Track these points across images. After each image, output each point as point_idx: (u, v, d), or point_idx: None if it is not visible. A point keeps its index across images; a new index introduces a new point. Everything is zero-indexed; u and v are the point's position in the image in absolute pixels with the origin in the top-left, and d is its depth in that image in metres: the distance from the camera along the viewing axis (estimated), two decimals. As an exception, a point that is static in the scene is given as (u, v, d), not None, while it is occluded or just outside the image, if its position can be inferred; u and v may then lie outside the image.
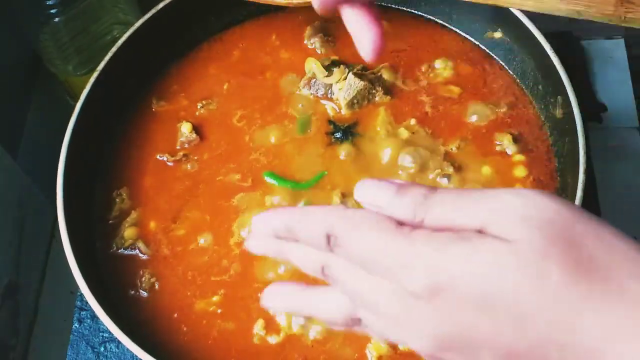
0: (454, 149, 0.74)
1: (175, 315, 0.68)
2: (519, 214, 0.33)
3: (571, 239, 0.33)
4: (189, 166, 0.76)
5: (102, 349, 0.73)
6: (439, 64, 0.80)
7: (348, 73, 0.78)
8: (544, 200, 0.34)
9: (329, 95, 0.79)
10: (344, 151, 0.76)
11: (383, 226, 0.36)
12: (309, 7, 0.81)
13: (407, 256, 0.35)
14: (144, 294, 0.70)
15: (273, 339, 0.66)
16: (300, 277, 0.69)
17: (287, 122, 0.78)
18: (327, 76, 0.79)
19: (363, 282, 0.37)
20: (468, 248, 0.33)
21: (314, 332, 0.66)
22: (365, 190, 0.38)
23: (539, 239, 0.32)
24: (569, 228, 0.33)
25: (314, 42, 0.83)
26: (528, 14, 0.73)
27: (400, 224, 0.36)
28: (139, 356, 0.61)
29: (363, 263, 0.37)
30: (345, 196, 0.72)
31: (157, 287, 0.70)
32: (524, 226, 0.33)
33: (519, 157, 0.74)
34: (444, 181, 0.72)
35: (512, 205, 0.34)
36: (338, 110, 0.78)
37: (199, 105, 0.80)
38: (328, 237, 0.38)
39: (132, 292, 0.70)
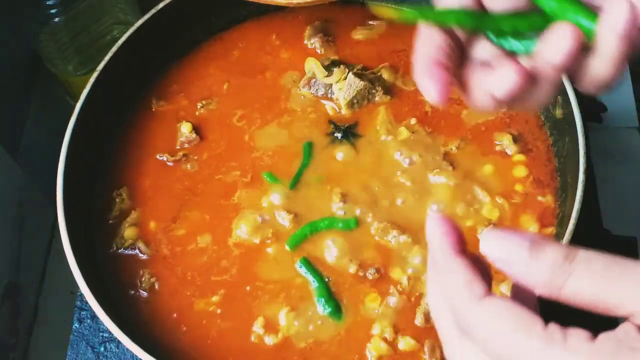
0: (453, 148, 0.74)
1: (175, 315, 0.68)
2: None
3: None
4: (188, 166, 0.76)
5: (102, 349, 0.73)
6: (438, 63, 0.80)
7: (348, 73, 0.78)
8: None
9: (329, 95, 0.79)
10: (344, 151, 0.76)
11: (529, 327, 0.32)
12: (309, 7, 0.81)
13: None
14: (144, 294, 0.70)
15: (272, 339, 0.66)
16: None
17: (286, 122, 0.78)
18: (327, 76, 0.79)
19: None
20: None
21: (314, 332, 0.66)
22: (495, 244, 0.34)
23: None
24: None
25: (314, 42, 0.83)
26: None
27: (545, 322, 0.32)
28: (139, 356, 0.61)
29: None
30: (345, 196, 0.72)
31: (157, 287, 0.70)
32: None
33: (519, 157, 0.74)
34: (442, 180, 0.72)
35: None
36: (338, 110, 0.78)
37: (199, 105, 0.80)
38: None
39: (132, 292, 0.70)
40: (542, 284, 0.32)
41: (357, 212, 0.71)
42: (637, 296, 0.30)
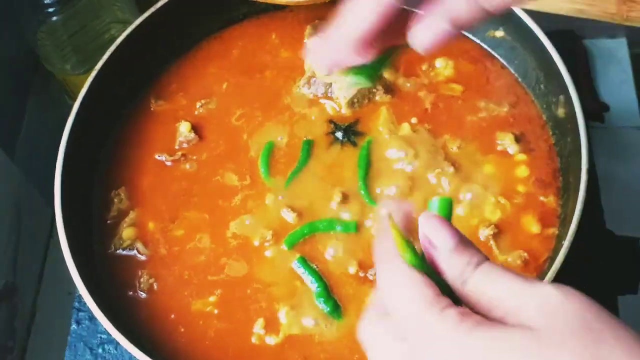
0: (455, 148, 0.74)
1: (173, 316, 0.68)
2: (551, 303, 0.34)
3: (593, 335, 0.33)
4: (187, 166, 0.76)
5: (100, 350, 0.73)
6: (439, 62, 0.80)
7: (348, 72, 0.77)
8: (577, 296, 0.34)
9: (329, 95, 0.78)
10: (344, 150, 0.75)
11: (424, 292, 0.37)
12: (308, 6, 0.81)
13: (432, 334, 0.35)
14: (142, 294, 0.69)
15: (272, 339, 0.66)
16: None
17: (286, 121, 0.78)
18: (327, 75, 0.78)
19: (386, 333, 0.38)
20: (493, 333, 0.34)
21: (314, 332, 0.66)
22: (432, 227, 0.39)
23: (561, 328, 0.33)
24: (592, 323, 0.34)
25: (313, 41, 0.82)
26: (530, 12, 0.73)
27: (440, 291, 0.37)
28: (137, 357, 0.61)
29: (394, 321, 0.38)
30: (345, 196, 0.72)
31: (155, 287, 0.70)
32: (549, 315, 0.34)
33: (521, 157, 0.73)
34: (444, 180, 0.72)
35: (549, 296, 0.34)
36: (338, 110, 0.78)
37: (198, 104, 0.80)
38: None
39: (131, 293, 0.69)
40: (450, 275, 0.38)
41: (357, 212, 0.71)
42: (516, 293, 0.35)
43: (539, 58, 0.75)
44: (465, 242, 0.38)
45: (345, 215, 0.71)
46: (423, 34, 0.43)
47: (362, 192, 0.72)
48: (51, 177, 0.70)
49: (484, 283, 0.37)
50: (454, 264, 0.38)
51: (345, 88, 0.77)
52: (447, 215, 0.40)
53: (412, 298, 0.37)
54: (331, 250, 0.69)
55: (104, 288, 0.69)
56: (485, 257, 0.38)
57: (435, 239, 0.38)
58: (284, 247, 0.70)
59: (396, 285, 0.38)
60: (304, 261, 0.69)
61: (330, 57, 0.46)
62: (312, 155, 0.75)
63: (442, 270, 0.38)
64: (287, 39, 0.84)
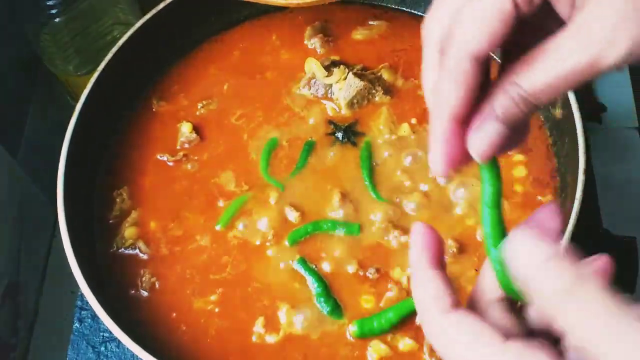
0: (453, 149, 0.74)
1: (175, 314, 0.69)
2: None
3: None
4: (189, 166, 0.77)
5: (102, 348, 0.73)
6: (439, 63, 0.80)
7: (348, 73, 0.78)
8: None
9: (329, 95, 0.79)
10: (344, 151, 0.76)
11: (487, 341, 0.35)
12: (309, 8, 0.82)
13: None
14: (144, 293, 0.70)
15: (273, 338, 0.66)
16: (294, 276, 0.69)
17: (287, 122, 0.78)
18: (327, 76, 0.79)
19: None
20: None
21: (314, 332, 0.66)
22: (521, 243, 0.35)
23: None
24: None
25: (314, 42, 0.83)
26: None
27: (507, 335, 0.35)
28: (140, 356, 0.61)
29: None
30: (345, 196, 0.72)
31: (157, 286, 0.70)
32: None
33: (519, 157, 0.74)
34: (442, 180, 0.72)
35: None
36: (338, 110, 0.78)
37: (199, 105, 0.80)
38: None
39: (133, 291, 0.70)
40: (544, 295, 0.34)
41: (357, 212, 0.71)
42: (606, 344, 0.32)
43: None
44: (559, 256, 0.34)
45: (346, 216, 0.71)
46: (477, 138, 0.38)
47: (371, 192, 0.72)
48: (54, 176, 0.70)
49: (588, 305, 0.33)
50: (562, 272, 0.33)
51: (345, 89, 0.78)
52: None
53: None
54: (331, 250, 0.70)
55: (106, 287, 0.70)
56: (584, 273, 0.34)
57: (526, 258, 0.35)
58: (286, 243, 0.70)
59: (454, 335, 0.36)
60: (304, 262, 0.69)
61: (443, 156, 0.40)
62: (312, 156, 0.76)
63: (540, 277, 0.34)
64: (288, 40, 0.84)
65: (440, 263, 0.39)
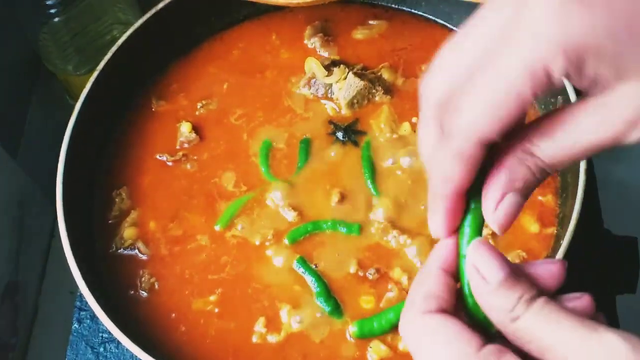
0: (454, 148, 0.74)
1: (174, 315, 0.68)
2: (615, 358, 0.31)
3: None
4: (188, 166, 0.76)
5: (101, 349, 0.73)
6: (439, 63, 0.80)
7: (348, 73, 0.78)
8: None
9: (329, 95, 0.79)
10: (344, 151, 0.76)
11: (462, 346, 0.34)
12: (309, 7, 0.81)
13: None
14: (144, 294, 0.70)
15: (274, 338, 0.66)
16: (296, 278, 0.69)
17: (287, 122, 0.78)
18: (327, 76, 0.79)
19: None
20: None
21: (314, 332, 0.66)
22: (480, 258, 0.36)
23: None
24: None
25: (314, 42, 0.83)
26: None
27: (481, 341, 0.34)
28: (139, 356, 0.61)
29: None
30: (345, 196, 0.72)
31: (156, 287, 0.70)
32: None
33: (520, 157, 0.73)
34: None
35: (614, 348, 0.32)
36: (338, 110, 0.78)
37: (199, 104, 0.80)
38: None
39: (132, 292, 0.70)
40: (497, 312, 0.35)
41: (357, 212, 0.71)
42: (566, 348, 0.33)
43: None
44: (517, 274, 0.35)
45: (346, 216, 0.71)
46: (501, 214, 0.37)
47: (373, 192, 0.72)
48: (53, 176, 0.70)
49: (536, 323, 0.33)
50: (503, 299, 0.34)
51: (346, 89, 0.77)
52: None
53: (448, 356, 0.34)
54: (331, 250, 0.70)
55: (105, 287, 0.70)
56: (541, 291, 0.35)
57: (484, 270, 0.35)
58: (286, 242, 0.70)
59: (429, 340, 0.36)
60: (304, 261, 0.69)
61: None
62: (313, 156, 0.76)
63: (488, 305, 0.35)
64: (287, 40, 0.84)
65: (448, 269, 0.38)
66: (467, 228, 0.38)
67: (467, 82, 0.35)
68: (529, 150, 0.36)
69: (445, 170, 0.37)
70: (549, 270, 0.36)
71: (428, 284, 0.38)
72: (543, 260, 0.38)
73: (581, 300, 0.35)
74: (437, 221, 0.38)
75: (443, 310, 0.37)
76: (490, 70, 0.34)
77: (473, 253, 0.36)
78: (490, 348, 0.34)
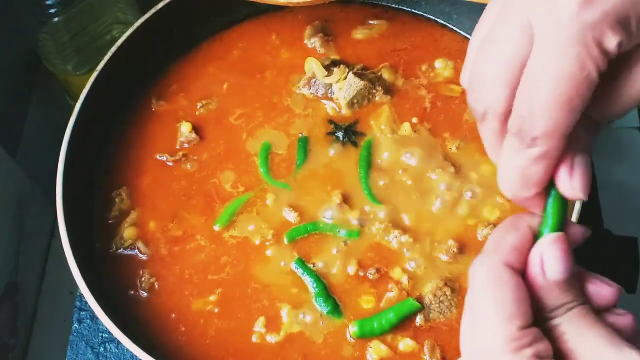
0: (454, 148, 0.74)
1: (174, 315, 0.68)
2: None
3: None
4: (188, 166, 0.76)
5: (101, 349, 0.73)
6: (439, 63, 0.80)
7: (348, 73, 0.78)
8: None
9: (329, 95, 0.79)
10: (344, 151, 0.75)
11: (506, 327, 0.35)
12: (309, 7, 0.81)
13: None
14: (144, 294, 0.70)
15: (273, 338, 0.66)
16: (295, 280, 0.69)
17: (286, 122, 0.78)
18: (327, 76, 0.78)
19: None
20: None
21: (314, 332, 0.66)
22: (552, 252, 0.37)
23: None
24: None
25: (314, 42, 0.83)
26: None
27: (524, 327, 0.35)
28: (139, 356, 0.61)
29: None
30: (345, 196, 0.72)
31: (156, 287, 0.70)
32: None
33: (520, 157, 0.73)
34: (443, 179, 0.72)
35: None
36: (338, 110, 0.78)
37: (199, 104, 0.80)
38: None
39: (132, 292, 0.70)
40: (544, 307, 0.36)
41: (357, 212, 0.71)
42: (583, 355, 0.34)
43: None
44: (574, 281, 0.36)
45: (346, 215, 0.71)
46: (572, 179, 0.38)
47: (365, 192, 0.72)
48: (53, 176, 0.70)
49: (570, 330, 0.35)
50: (553, 300, 0.36)
51: (346, 89, 0.77)
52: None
53: (494, 326, 0.35)
54: (331, 250, 0.70)
55: (105, 287, 0.70)
56: (585, 301, 0.36)
57: (549, 264, 0.36)
58: (285, 241, 0.70)
59: (487, 295, 0.36)
60: (302, 262, 0.69)
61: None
62: (313, 156, 0.76)
63: (538, 296, 0.36)
64: (287, 40, 0.84)
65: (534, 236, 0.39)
66: (550, 216, 0.38)
67: (527, 83, 0.36)
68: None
69: (531, 174, 0.38)
70: (603, 292, 0.37)
71: (515, 238, 0.38)
72: (603, 279, 0.39)
73: (623, 317, 0.37)
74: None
75: (518, 271, 0.37)
76: (546, 64, 0.35)
77: (548, 244, 0.37)
78: (533, 332, 0.35)
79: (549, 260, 0.36)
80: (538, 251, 0.37)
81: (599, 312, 0.37)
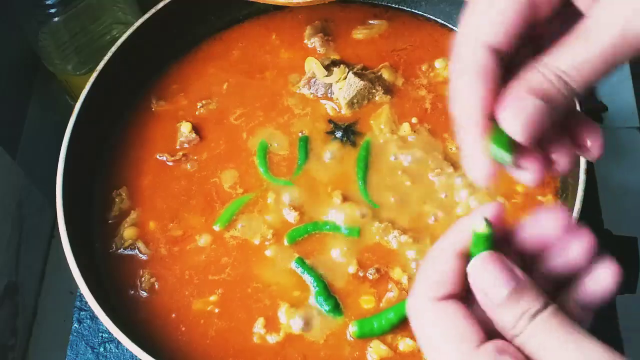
0: (453, 148, 0.74)
1: (174, 315, 0.68)
2: None
3: None
4: (188, 166, 0.76)
5: (101, 349, 0.73)
6: (439, 63, 0.80)
7: (348, 72, 0.78)
8: None
9: (329, 95, 0.79)
10: (344, 150, 0.75)
11: (462, 340, 0.35)
12: (309, 7, 0.81)
13: None
14: (144, 294, 0.70)
15: (273, 338, 0.66)
16: (296, 279, 0.69)
17: (286, 122, 0.78)
18: (327, 76, 0.78)
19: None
20: None
21: (314, 332, 0.66)
22: (483, 274, 0.36)
23: None
24: None
25: (314, 42, 0.83)
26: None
27: (485, 332, 0.35)
28: (139, 356, 0.61)
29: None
30: (345, 196, 0.72)
31: (156, 287, 0.70)
32: None
33: (520, 157, 0.73)
34: (442, 179, 0.72)
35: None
36: (338, 110, 0.78)
37: (199, 104, 0.80)
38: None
39: (132, 292, 0.70)
40: (501, 326, 0.35)
41: (357, 212, 0.71)
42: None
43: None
44: (522, 288, 0.35)
45: (346, 216, 0.71)
46: (515, 119, 0.35)
47: (362, 192, 0.72)
48: (53, 176, 0.70)
49: (536, 338, 0.34)
50: (505, 317, 0.35)
51: (345, 88, 0.77)
52: (485, 248, 0.36)
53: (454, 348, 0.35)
54: (331, 250, 0.70)
55: (105, 287, 0.70)
56: (547, 302, 0.35)
57: (487, 287, 0.35)
58: (286, 241, 0.70)
59: (432, 330, 0.36)
60: (302, 261, 0.69)
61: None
62: (313, 155, 0.76)
63: (493, 319, 0.35)
64: (287, 40, 0.84)
65: (464, 256, 0.38)
66: (474, 237, 0.37)
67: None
68: (542, 60, 0.36)
69: (465, 93, 0.36)
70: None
71: (440, 268, 0.37)
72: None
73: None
74: (473, 160, 0.38)
75: (452, 296, 0.37)
76: None
77: (477, 269, 0.36)
78: (490, 346, 0.34)
79: (487, 283, 0.35)
80: (471, 281, 0.36)
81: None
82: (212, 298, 0.69)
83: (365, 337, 0.65)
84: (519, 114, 0.35)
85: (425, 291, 0.37)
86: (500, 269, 0.35)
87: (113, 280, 0.70)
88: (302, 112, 0.79)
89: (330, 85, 0.78)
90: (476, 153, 0.37)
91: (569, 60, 0.35)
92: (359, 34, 0.84)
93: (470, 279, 0.36)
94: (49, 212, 0.88)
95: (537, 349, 0.34)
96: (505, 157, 0.37)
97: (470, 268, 0.36)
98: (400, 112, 0.78)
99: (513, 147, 0.37)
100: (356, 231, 0.70)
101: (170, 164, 0.77)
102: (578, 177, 0.65)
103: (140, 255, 0.72)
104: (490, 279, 0.35)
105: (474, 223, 0.36)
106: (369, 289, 0.68)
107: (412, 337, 0.65)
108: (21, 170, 0.90)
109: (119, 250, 0.72)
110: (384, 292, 0.68)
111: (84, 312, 0.75)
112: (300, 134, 0.77)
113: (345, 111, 0.78)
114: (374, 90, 0.78)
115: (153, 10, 0.80)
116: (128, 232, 0.73)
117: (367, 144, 0.75)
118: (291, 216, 0.71)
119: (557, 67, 0.35)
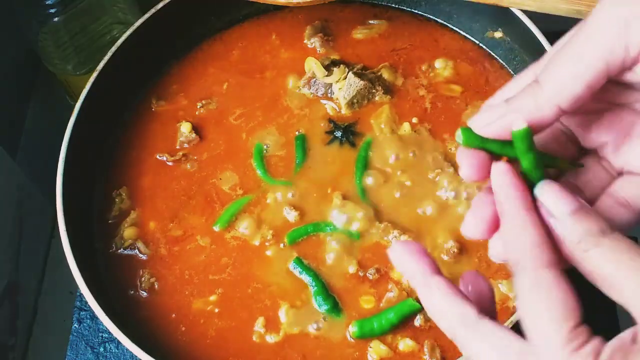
0: (453, 148, 0.74)
1: (174, 315, 0.68)
2: None
3: None
4: (188, 166, 0.76)
5: (101, 349, 0.73)
6: (439, 63, 0.80)
7: (348, 72, 0.78)
8: None
9: (329, 95, 0.79)
10: (343, 150, 0.75)
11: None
12: (308, 7, 0.81)
13: None
14: (144, 294, 0.70)
15: (273, 338, 0.66)
16: (293, 280, 0.69)
17: (286, 122, 0.78)
18: (327, 75, 0.78)
19: None
20: None
21: (314, 332, 0.66)
22: (548, 193, 0.37)
23: None
24: None
25: (313, 42, 0.83)
26: (529, 13, 0.73)
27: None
28: (139, 356, 0.61)
29: None
30: (345, 196, 0.72)
31: (156, 287, 0.70)
32: None
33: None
34: (443, 180, 0.72)
35: None
36: (338, 110, 0.78)
37: (199, 104, 0.80)
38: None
39: (132, 292, 0.70)
40: (569, 241, 0.36)
41: (357, 213, 0.71)
42: (628, 288, 0.35)
43: (537, 58, 0.75)
44: (587, 207, 0.36)
45: (346, 216, 0.71)
46: (491, 124, 0.39)
47: (358, 192, 0.72)
48: (53, 176, 0.70)
49: (603, 260, 0.35)
50: (573, 229, 0.36)
51: (345, 88, 0.77)
52: (528, 143, 0.38)
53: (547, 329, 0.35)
54: (331, 250, 0.70)
55: (105, 287, 0.70)
56: (613, 227, 0.36)
57: (553, 206, 0.37)
58: (286, 241, 0.70)
59: (536, 299, 0.35)
60: (300, 261, 0.69)
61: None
62: (312, 156, 0.76)
63: (560, 238, 0.36)
64: (287, 40, 0.84)
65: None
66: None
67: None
68: (532, 83, 0.39)
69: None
70: None
71: (534, 235, 0.37)
72: None
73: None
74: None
75: (557, 266, 0.37)
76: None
77: (542, 193, 0.37)
78: (585, 329, 0.35)
79: (555, 199, 0.37)
80: (541, 199, 0.37)
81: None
82: (212, 298, 0.69)
83: (365, 337, 0.65)
84: (494, 125, 0.40)
85: (541, 259, 0.36)
86: (565, 189, 0.37)
87: (113, 280, 0.70)
88: (302, 112, 0.79)
89: (330, 85, 0.78)
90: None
91: (551, 83, 0.39)
92: (358, 34, 0.84)
93: (540, 198, 0.37)
94: (49, 212, 0.88)
95: (602, 267, 0.34)
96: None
97: (537, 189, 0.38)
98: (401, 112, 0.78)
99: None
100: (356, 234, 0.70)
101: (170, 164, 0.77)
102: (578, 177, 0.65)
103: (140, 255, 0.72)
104: (558, 194, 0.37)
105: (513, 126, 0.38)
106: (369, 289, 0.68)
107: (412, 337, 0.65)
108: (21, 170, 0.90)
109: (119, 250, 0.72)
110: (384, 292, 0.68)
111: (84, 312, 0.75)
112: (297, 132, 0.77)
113: (345, 111, 0.78)
114: (374, 90, 0.78)
115: (153, 10, 0.80)
116: (128, 232, 0.73)
117: (367, 144, 0.75)
118: (291, 215, 0.71)
119: (541, 89, 0.39)
